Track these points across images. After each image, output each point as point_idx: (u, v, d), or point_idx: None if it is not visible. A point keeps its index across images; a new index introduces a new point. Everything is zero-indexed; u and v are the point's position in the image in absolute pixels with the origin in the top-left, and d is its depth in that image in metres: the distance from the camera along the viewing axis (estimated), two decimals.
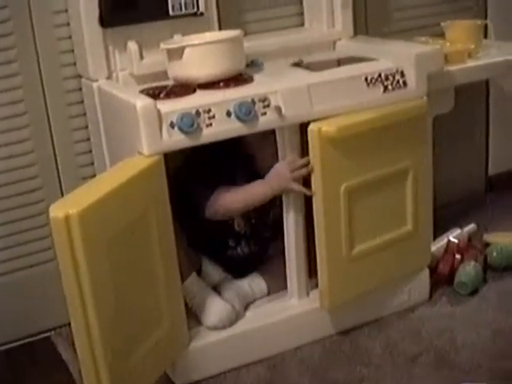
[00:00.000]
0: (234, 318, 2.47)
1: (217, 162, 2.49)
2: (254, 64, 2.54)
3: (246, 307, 2.56)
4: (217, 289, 2.56)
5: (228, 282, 2.61)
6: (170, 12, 2.43)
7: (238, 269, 2.66)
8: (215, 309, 2.45)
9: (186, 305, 2.39)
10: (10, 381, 2.56)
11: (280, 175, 2.39)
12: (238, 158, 2.53)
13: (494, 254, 2.92)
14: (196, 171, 2.51)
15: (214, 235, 2.62)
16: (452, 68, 2.70)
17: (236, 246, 2.66)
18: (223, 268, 2.65)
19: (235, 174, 2.55)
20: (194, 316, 2.47)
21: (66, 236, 1.86)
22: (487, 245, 3.01)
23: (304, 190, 2.39)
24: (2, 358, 2.68)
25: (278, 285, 2.59)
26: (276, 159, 2.42)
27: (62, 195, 2.63)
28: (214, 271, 2.63)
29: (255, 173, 2.50)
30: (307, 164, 2.35)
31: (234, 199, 2.45)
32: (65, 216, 1.84)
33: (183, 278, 2.42)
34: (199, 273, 2.57)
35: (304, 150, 2.38)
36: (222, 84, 2.30)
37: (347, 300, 2.52)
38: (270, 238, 2.68)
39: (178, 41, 2.40)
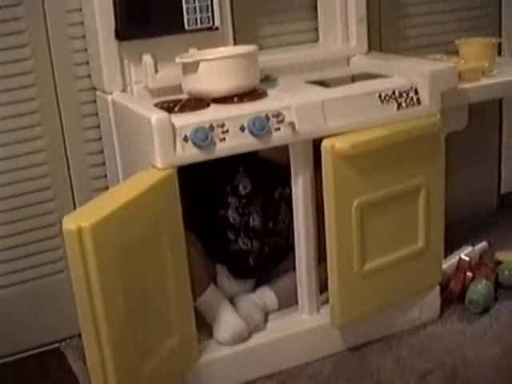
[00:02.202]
0: (246, 335, 2.47)
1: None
2: (268, 79, 2.55)
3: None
4: (231, 301, 2.56)
5: (241, 295, 2.61)
6: (186, 26, 2.44)
7: (246, 268, 2.66)
8: (227, 325, 2.45)
9: (197, 318, 2.38)
10: None
11: None
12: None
13: (506, 272, 2.91)
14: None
15: (213, 229, 2.63)
16: (466, 86, 2.71)
17: (237, 239, 2.65)
18: (231, 270, 2.65)
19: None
20: (204, 329, 2.46)
21: (79, 248, 1.86)
22: (499, 263, 3.00)
23: None
24: (11, 369, 2.68)
25: (288, 300, 2.59)
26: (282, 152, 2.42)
27: (75, 207, 2.64)
28: (228, 283, 2.65)
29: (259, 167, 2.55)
30: None
31: None
32: (77, 228, 1.85)
33: (201, 290, 2.45)
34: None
35: (316, 166, 2.38)
36: (236, 99, 2.31)
37: (358, 316, 2.52)
38: (270, 236, 2.67)
39: (193, 55, 2.41)
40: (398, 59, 2.76)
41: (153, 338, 2.18)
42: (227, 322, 2.46)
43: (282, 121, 2.26)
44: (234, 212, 2.61)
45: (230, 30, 2.57)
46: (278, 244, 2.69)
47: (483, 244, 3.09)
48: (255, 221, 2.62)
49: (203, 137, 2.15)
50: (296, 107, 2.28)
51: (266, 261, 2.69)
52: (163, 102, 2.34)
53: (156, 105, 2.31)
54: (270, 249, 2.68)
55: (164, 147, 2.13)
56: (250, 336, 2.49)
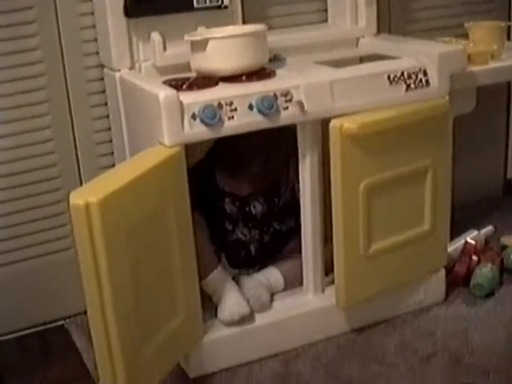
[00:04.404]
0: (249, 317, 2.46)
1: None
2: (276, 59, 2.54)
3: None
4: (237, 281, 2.56)
5: (248, 275, 2.61)
6: (195, 4, 2.43)
7: (246, 258, 2.67)
8: (230, 306, 2.44)
9: (202, 297, 2.38)
10: (22, 368, 2.56)
11: None
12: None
13: (511, 256, 2.91)
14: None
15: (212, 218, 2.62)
16: (474, 69, 2.69)
17: (234, 229, 2.65)
18: (229, 261, 2.64)
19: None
20: (209, 308, 2.47)
21: (86, 224, 1.86)
22: (504, 247, 3.00)
23: None
24: (15, 345, 2.69)
25: (294, 280, 2.58)
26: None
27: (81, 184, 2.64)
28: None
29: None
30: None
31: None
32: (85, 204, 1.84)
33: (208, 271, 2.46)
34: None
35: (324, 147, 2.38)
36: (244, 77, 2.30)
37: (363, 298, 2.52)
38: (269, 224, 2.68)
39: (201, 33, 2.39)
40: (407, 41, 2.74)
41: (158, 316, 2.18)
42: (231, 303, 2.45)
43: (291, 100, 2.25)
44: (231, 205, 2.61)
45: (239, 8, 2.55)
46: (278, 231, 2.69)
47: (489, 228, 3.09)
48: (257, 208, 2.62)
49: (211, 115, 2.14)
50: (304, 87, 2.27)
51: (268, 249, 2.69)
52: (171, 80, 2.33)
53: (164, 82, 2.30)
54: (270, 237, 2.68)
55: (172, 124, 2.12)
56: (254, 317, 2.48)
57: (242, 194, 2.61)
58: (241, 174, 2.59)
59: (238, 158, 2.54)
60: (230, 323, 2.44)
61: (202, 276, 2.41)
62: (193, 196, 2.26)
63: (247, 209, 2.62)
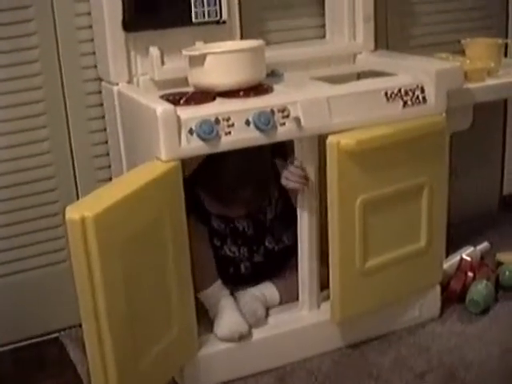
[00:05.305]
0: (247, 334, 2.45)
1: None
2: (274, 74, 2.54)
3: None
4: (234, 295, 2.56)
5: (244, 289, 2.60)
6: (193, 19, 2.44)
7: (235, 276, 2.64)
8: (229, 323, 2.43)
9: (197, 312, 2.38)
10: (17, 381, 2.56)
11: None
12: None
13: (507, 273, 2.91)
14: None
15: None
16: (471, 86, 2.70)
17: (222, 246, 2.63)
18: (221, 277, 2.57)
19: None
20: (204, 323, 2.46)
21: (81, 238, 1.86)
22: (500, 264, 3.00)
23: None
24: (10, 358, 2.68)
25: (290, 295, 2.58)
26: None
27: (78, 197, 2.64)
28: None
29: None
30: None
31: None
32: (80, 218, 1.85)
33: (208, 282, 2.47)
34: None
35: (321, 162, 2.38)
36: (241, 93, 2.31)
37: (358, 313, 2.52)
38: (260, 243, 2.66)
39: (199, 48, 2.40)
40: (405, 57, 2.75)
41: (153, 330, 2.18)
42: (230, 320, 2.44)
43: (288, 116, 2.25)
44: (218, 221, 2.61)
45: (237, 23, 2.56)
46: (271, 250, 2.68)
47: (485, 244, 3.09)
48: (242, 224, 2.62)
49: (208, 130, 2.15)
50: (302, 103, 2.27)
51: (260, 269, 2.67)
52: (169, 95, 2.33)
53: (162, 97, 2.30)
54: (263, 257, 2.67)
55: (169, 139, 2.12)
56: (250, 332, 2.48)
57: (230, 215, 2.60)
58: (226, 199, 2.57)
59: (222, 183, 2.52)
60: (229, 341, 2.43)
61: (199, 287, 2.42)
62: (192, 206, 2.26)
63: (232, 225, 2.60)
